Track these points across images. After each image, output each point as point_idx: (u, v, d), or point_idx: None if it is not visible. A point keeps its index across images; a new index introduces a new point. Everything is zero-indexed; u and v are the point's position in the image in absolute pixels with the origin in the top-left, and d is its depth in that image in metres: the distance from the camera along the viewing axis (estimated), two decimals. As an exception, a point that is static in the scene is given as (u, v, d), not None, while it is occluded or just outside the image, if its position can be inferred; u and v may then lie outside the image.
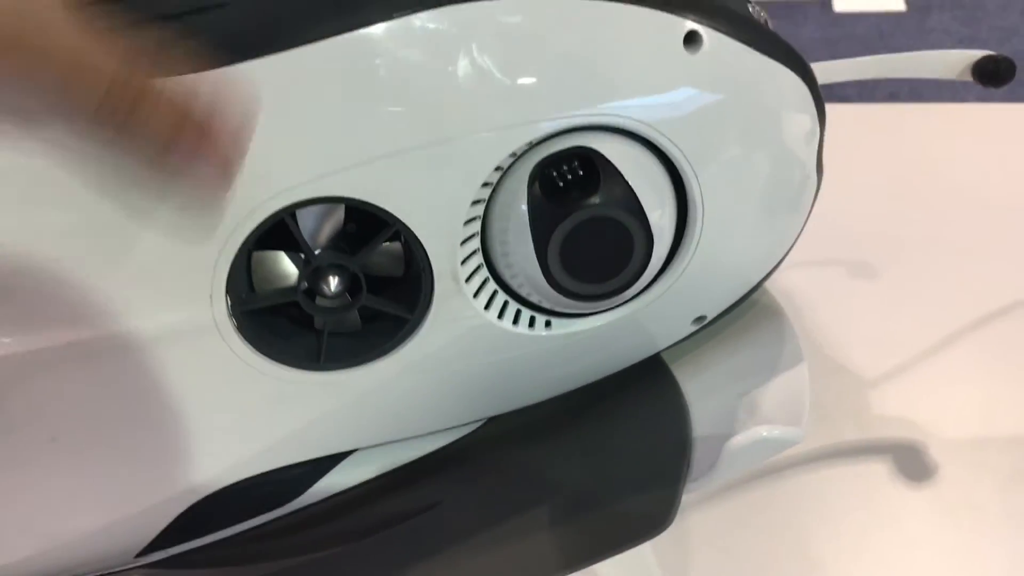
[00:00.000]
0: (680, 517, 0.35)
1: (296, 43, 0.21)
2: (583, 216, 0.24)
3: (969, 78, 0.27)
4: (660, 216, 0.25)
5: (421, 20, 0.22)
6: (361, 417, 0.27)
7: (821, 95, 0.27)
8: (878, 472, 0.37)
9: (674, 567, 0.33)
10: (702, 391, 0.28)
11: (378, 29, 0.21)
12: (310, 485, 0.27)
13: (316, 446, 0.27)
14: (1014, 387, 0.40)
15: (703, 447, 0.26)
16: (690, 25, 0.24)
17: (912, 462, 0.37)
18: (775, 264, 0.29)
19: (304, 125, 0.22)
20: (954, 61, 0.27)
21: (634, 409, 0.28)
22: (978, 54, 0.27)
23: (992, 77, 0.26)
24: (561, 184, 0.24)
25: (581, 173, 0.24)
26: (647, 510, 0.24)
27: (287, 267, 0.24)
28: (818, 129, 0.27)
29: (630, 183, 0.24)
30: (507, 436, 0.28)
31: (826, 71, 0.28)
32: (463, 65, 0.22)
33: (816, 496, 0.35)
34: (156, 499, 0.25)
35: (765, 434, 0.25)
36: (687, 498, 0.36)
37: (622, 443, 0.27)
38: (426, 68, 0.22)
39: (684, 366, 0.29)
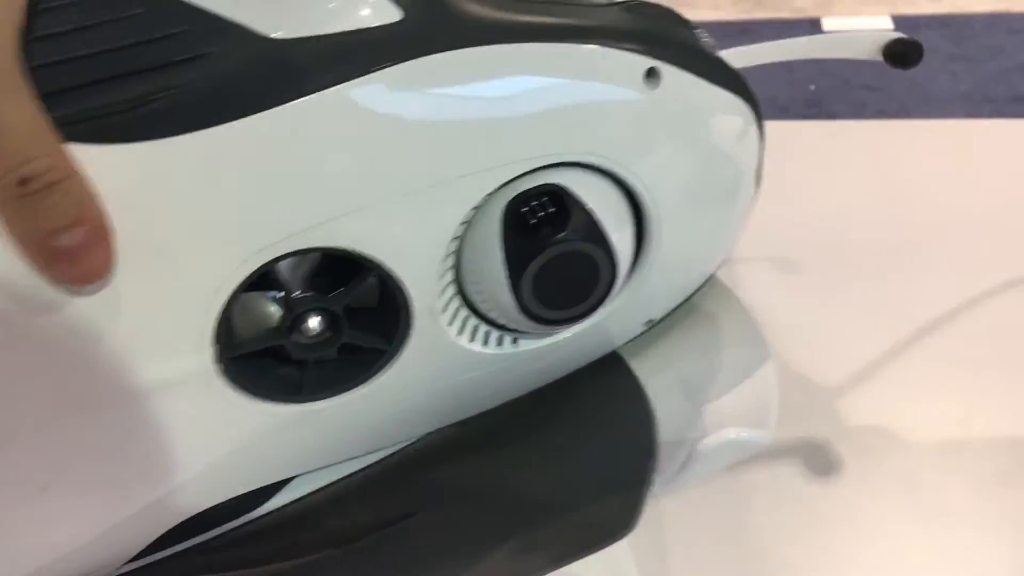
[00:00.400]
0: (657, 524, 0.35)
1: (282, 101, 0.22)
2: (555, 252, 0.26)
3: (880, 59, 0.28)
4: (622, 242, 0.27)
5: (393, 74, 0.23)
6: (337, 438, 0.27)
7: (761, 113, 0.30)
8: (852, 477, 0.37)
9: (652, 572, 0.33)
10: (667, 393, 0.28)
11: (353, 86, 0.22)
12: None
13: (292, 467, 0.27)
14: (990, 393, 0.40)
15: (670, 450, 0.26)
16: (650, 62, 0.26)
17: (886, 467, 0.37)
18: (716, 268, 0.32)
19: (290, 180, 0.22)
20: (867, 43, 0.28)
21: (596, 412, 0.28)
22: (889, 36, 0.28)
23: (902, 59, 0.27)
24: (532, 220, 0.26)
25: (550, 208, 0.26)
26: (610, 515, 0.24)
27: (265, 306, 0.24)
28: (759, 145, 0.30)
29: (596, 217, 0.26)
30: (461, 442, 0.28)
31: (746, 55, 0.29)
32: (439, 114, 0.24)
33: (789, 500, 0.35)
34: (133, 531, 0.25)
35: (733, 436, 0.25)
36: (664, 505, 0.37)
37: (584, 447, 0.27)
38: (402, 119, 0.23)
39: (648, 368, 0.29)
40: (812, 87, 0.75)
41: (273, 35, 0.22)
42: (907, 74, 0.34)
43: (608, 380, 0.29)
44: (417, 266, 0.25)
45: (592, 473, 0.27)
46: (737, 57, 0.29)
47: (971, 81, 0.75)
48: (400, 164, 0.24)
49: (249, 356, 0.25)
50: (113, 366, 0.22)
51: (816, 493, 0.36)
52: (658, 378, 0.29)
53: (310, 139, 0.22)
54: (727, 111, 0.28)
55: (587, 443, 0.27)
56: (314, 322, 0.25)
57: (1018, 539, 0.34)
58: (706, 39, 0.29)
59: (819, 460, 0.37)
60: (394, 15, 0.23)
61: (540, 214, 0.26)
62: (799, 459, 0.37)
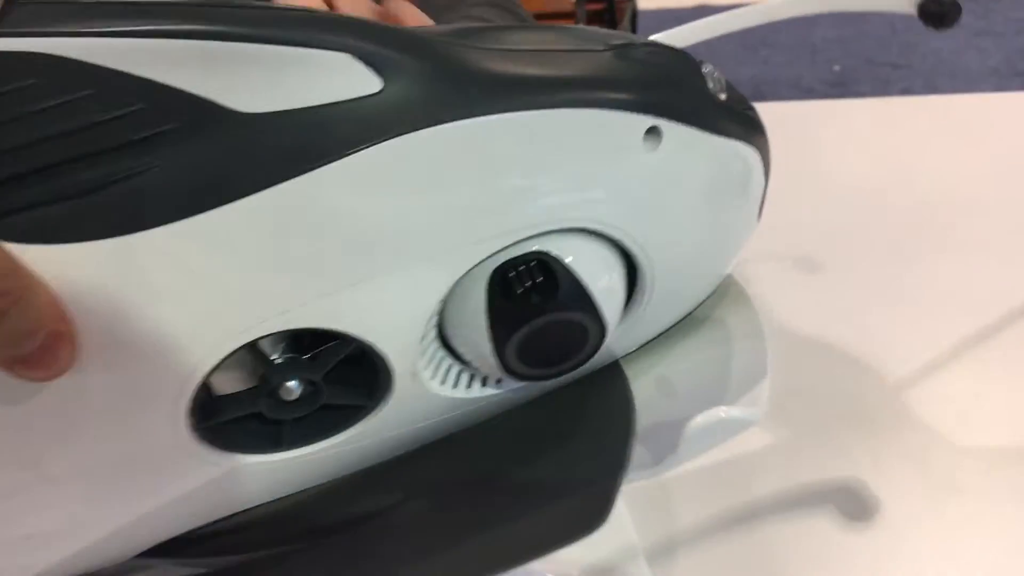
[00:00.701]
0: (665, 502, 0.35)
1: (257, 188, 0.20)
2: (542, 322, 0.24)
3: (914, 13, 0.26)
4: (613, 301, 0.25)
5: (371, 157, 0.21)
6: (315, 472, 0.27)
7: (769, 151, 0.28)
8: (860, 454, 0.36)
9: (661, 557, 0.33)
10: (652, 373, 0.28)
11: (331, 170, 0.21)
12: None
13: (268, 496, 0.27)
14: (1000, 371, 0.39)
15: (658, 431, 0.26)
16: (650, 121, 0.24)
17: (894, 444, 0.37)
18: (711, 293, 0.30)
19: (264, 268, 0.21)
20: None
21: (573, 398, 0.27)
22: (926, -8, 0.27)
23: (937, 18, 0.26)
24: (519, 288, 0.24)
25: (538, 276, 0.24)
26: (582, 508, 0.24)
27: (244, 376, 0.24)
28: (764, 183, 0.28)
29: (586, 285, 0.24)
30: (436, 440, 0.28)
31: (770, 11, 0.28)
32: (421, 194, 0.22)
33: (796, 478, 0.35)
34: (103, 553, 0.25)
35: (723, 415, 0.24)
36: (670, 485, 0.36)
37: (561, 438, 0.27)
38: (381, 202, 0.22)
39: (632, 354, 0.29)
40: (836, 68, 0.74)
41: (243, 110, 0.20)
42: (933, 50, 0.33)
43: (590, 372, 0.29)
44: (397, 338, 0.24)
45: (567, 465, 0.26)
46: (761, 12, 0.27)
47: (999, 56, 0.73)
48: (380, 245, 0.22)
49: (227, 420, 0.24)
50: (84, 442, 0.22)
51: (823, 471, 0.36)
52: (641, 362, 0.28)
53: (285, 227, 0.21)
54: (730, 160, 0.26)
55: (564, 435, 0.27)
56: (293, 385, 0.24)
57: None
58: (716, 77, 0.27)
59: (827, 438, 0.37)
60: (373, 85, 0.21)
61: (527, 283, 0.24)
62: (806, 437, 0.37)
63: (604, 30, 0.27)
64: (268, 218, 0.20)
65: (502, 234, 0.23)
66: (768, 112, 0.36)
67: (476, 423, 0.28)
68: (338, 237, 0.21)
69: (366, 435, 0.26)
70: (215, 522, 0.26)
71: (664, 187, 0.25)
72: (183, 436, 0.22)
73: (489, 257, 0.24)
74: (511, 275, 0.24)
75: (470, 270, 0.24)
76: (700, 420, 0.25)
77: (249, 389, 0.23)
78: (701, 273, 0.29)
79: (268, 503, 0.27)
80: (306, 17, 0.21)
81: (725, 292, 0.29)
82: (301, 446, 0.25)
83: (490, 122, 0.22)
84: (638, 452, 0.26)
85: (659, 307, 0.28)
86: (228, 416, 0.23)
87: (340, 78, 0.20)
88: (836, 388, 0.38)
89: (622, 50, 0.25)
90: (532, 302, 0.24)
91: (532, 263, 0.24)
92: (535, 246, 0.24)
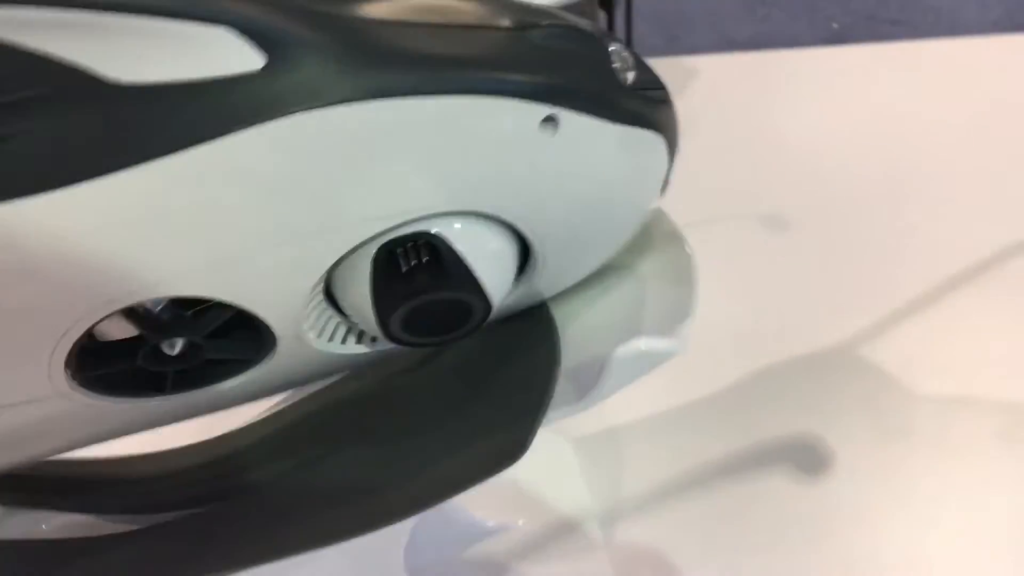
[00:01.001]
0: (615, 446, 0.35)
1: (133, 162, 0.19)
2: (425, 299, 0.24)
3: None
4: (500, 282, 0.25)
5: (251, 136, 0.20)
6: (194, 411, 0.26)
7: (676, 131, 0.27)
8: (814, 401, 0.37)
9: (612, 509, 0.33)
10: (573, 306, 0.27)
11: (209, 148, 0.20)
12: None
13: (137, 429, 0.26)
14: (954, 320, 0.40)
15: (581, 364, 0.25)
16: (547, 110, 0.23)
17: (847, 391, 0.37)
18: (610, 257, 0.29)
19: (139, 239, 0.20)
20: None
21: (495, 333, 0.27)
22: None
23: None
24: (404, 266, 0.24)
25: (424, 256, 0.24)
26: (502, 441, 0.24)
27: (122, 335, 0.23)
28: (667, 165, 0.27)
29: (470, 265, 0.24)
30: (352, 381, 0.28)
31: None
32: (300, 175, 0.21)
33: (748, 427, 0.35)
34: None
35: (643, 347, 0.24)
36: (623, 442, 0.36)
37: (479, 368, 0.26)
38: (260, 180, 0.21)
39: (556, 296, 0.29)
40: (835, 25, 0.72)
41: (115, 79, 0.19)
42: (932, 7, 0.32)
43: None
44: (279, 306, 0.23)
45: (490, 402, 0.26)
46: None
47: (1000, 9, 0.71)
48: (255, 224, 0.22)
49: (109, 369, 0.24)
50: None
51: (777, 417, 0.36)
52: (565, 305, 0.28)
53: (157, 205, 0.20)
54: (629, 146, 0.26)
55: (484, 364, 0.27)
56: (174, 343, 0.23)
57: (976, 459, 0.34)
58: (624, 56, 0.26)
59: (782, 387, 0.37)
60: (256, 62, 0.20)
61: (413, 261, 0.24)
62: (760, 384, 0.37)
63: (514, 2, 0.25)
64: (140, 194, 0.20)
65: (386, 216, 0.23)
66: (750, 62, 0.35)
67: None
68: (212, 216, 0.21)
69: (253, 382, 0.25)
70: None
71: (558, 175, 0.24)
72: (63, 387, 0.22)
73: (374, 237, 0.23)
74: (398, 251, 0.24)
75: (355, 247, 0.23)
76: (621, 352, 0.24)
77: (129, 342, 0.23)
78: (597, 245, 0.28)
79: (186, 455, 0.27)
80: None
81: (657, 234, 0.28)
82: (188, 390, 0.24)
83: (376, 107, 0.21)
84: (562, 389, 0.26)
85: (555, 273, 0.27)
86: (107, 369, 0.23)
87: (219, 53, 0.20)
88: (789, 338, 0.38)
89: (525, 31, 0.24)
90: (416, 280, 0.24)
91: (420, 242, 0.24)
92: (422, 227, 0.23)
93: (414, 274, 0.24)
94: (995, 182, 0.50)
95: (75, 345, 0.21)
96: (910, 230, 0.47)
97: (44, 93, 0.18)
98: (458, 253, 0.24)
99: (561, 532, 0.32)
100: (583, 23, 0.25)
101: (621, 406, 0.36)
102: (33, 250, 0.19)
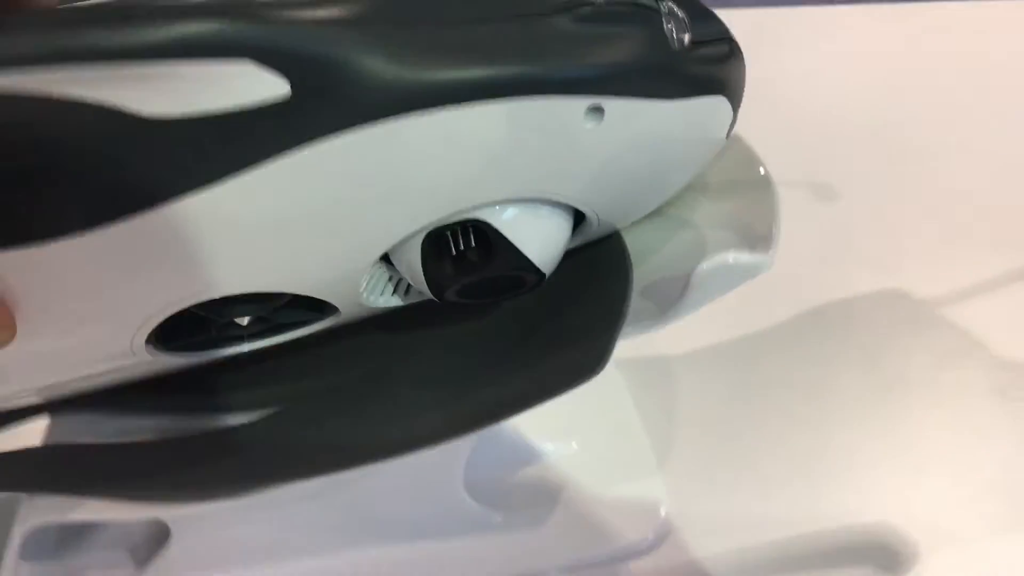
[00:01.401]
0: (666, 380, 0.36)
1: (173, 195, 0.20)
2: (475, 278, 0.24)
3: None
4: (552, 252, 0.25)
5: (284, 166, 0.21)
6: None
7: (741, 80, 0.26)
8: (817, 350, 0.38)
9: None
10: (645, 226, 0.28)
11: (240, 181, 0.20)
12: None
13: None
14: (951, 272, 0.42)
15: (659, 281, 0.26)
16: (591, 100, 0.22)
17: (849, 341, 0.38)
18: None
19: (193, 257, 0.21)
20: None
21: (567, 259, 0.27)
22: None
23: None
24: (453, 248, 0.24)
25: (471, 239, 0.24)
26: (582, 354, 0.24)
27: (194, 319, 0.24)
28: (731, 118, 0.26)
29: (521, 248, 0.24)
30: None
31: None
32: (339, 197, 0.22)
33: (749, 374, 0.37)
34: None
35: (731, 260, 0.24)
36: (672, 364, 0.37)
37: (555, 289, 0.27)
38: (299, 205, 0.21)
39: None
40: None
41: (146, 113, 0.19)
42: None
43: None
44: (336, 290, 0.24)
45: (564, 317, 0.26)
46: None
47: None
48: (299, 238, 0.22)
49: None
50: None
51: (785, 367, 0.37)
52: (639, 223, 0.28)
53: (199, 235, 0.21)
54: (683, 118, 0.24)
55: (561, 288, 0.27)
56: (244, 319, 0.25)
57: (972, 407, 0.35)
58: (679, 17, 0.24)
59: (787, 337, 0.38)
60: (281, 89, 0.20)
61: (462, 244, 0.24)
62: (769, 337, 0.38)
63: None
64: (177, 230, 0.20)
65: (433, 211, 0.23)
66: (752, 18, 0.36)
67: None
68: (255, 238, 0.21)
69: (321, 326, 0.26)
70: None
71: (607, 157, 0.24)
72: (140, 353, 0.24)
73: (421, 229, 0.24)
74: (447, 233, 0.24)
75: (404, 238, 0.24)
76: (707, 266, 0.24)
77: (199, 319, 0.24)
78: (658, 197, 0.28)
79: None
80: (199, 21, 0.19)
81: (730, 155, 0.28)
82: (253, 341, 0.26)
83: (411, 123, 0.21)
84: (640, 305, 0.26)
85: (615, 222, 0.28)
86: (186, 340, 0.24)
87: (244, 85, 0.19)
88: (793, 287, 0.39)
89: (566, 14, 0.22)
90: (466, 261, 0.24)
91: (468, 225, 0.24)
92: (470, 214, 0.24)
93: (464, 256, 0.24)
94: (997, 141, 0.52)
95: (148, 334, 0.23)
96: (911, 185, 0.48)
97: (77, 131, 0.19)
98: (507, 237, 0.24)
99: (615, 456, 0.33)
100: None
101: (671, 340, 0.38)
102: (83, 279, 0.21)
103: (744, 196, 0.27)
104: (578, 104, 0.22)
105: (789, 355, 0.38)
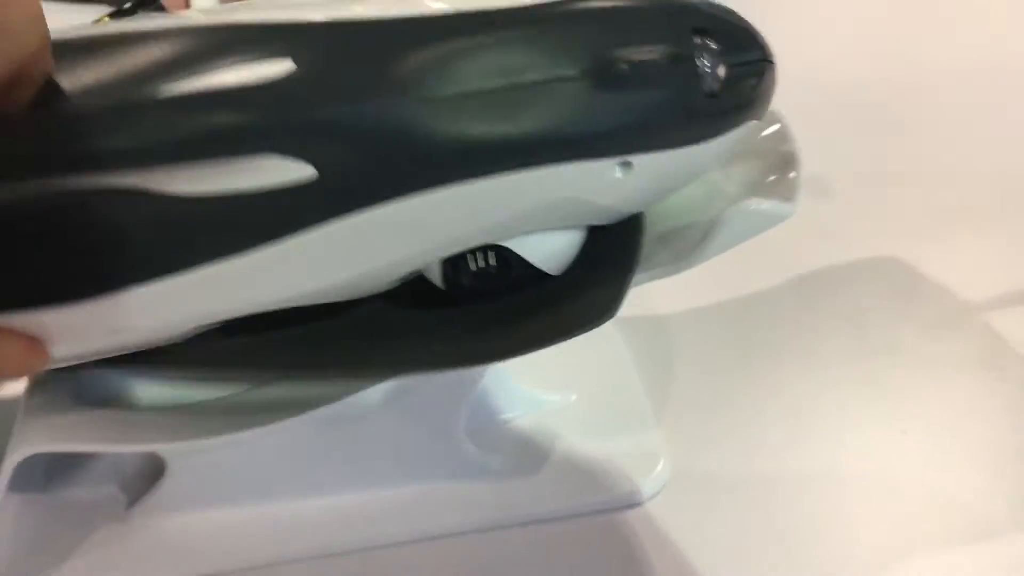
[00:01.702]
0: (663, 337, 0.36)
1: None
2: (493, 288, 0.25)
3: None
4: (568, 259, 0.26)
5: (313, 238, 0.22)
6: None
7: (772, 86, 0.26)
8: (806, 318, 0.38)
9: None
10: None
11: (270, 252, 0.22)
12: None
13: None
14: (941, 242, 0.42)
15: (673, 229, 0.26)
16: (621, 159, 0.23)
17: (838, 308, 0.38)
18: None
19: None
20: None
21: None
22: None
23: None
24: (472, 267, 0.25)
25: (490, 259, 0.25)
26: (595, 299, 0.24)
27: None
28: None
29: (542, 268, 0.25)
30: None
31: None
32: (365, 260, 0.23)
33: (735, 340, 0.37)
34: None
35: (755, 207, 0.24)
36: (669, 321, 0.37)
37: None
38: (327, 271, 0.23)
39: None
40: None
41: (178, 192, 0.20)
42: None
43: None
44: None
45: (580, 263, 0.26)
46: None
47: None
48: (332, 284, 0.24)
49: None
50: None
51: (775, 335, 0.37)
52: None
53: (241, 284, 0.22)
54: (713, 151, 0.25)
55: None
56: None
57: (958, 376, 0.35)
58: (713, 49, 0.23)
59: (777, 305, 0.38)
60: (307, 172, 0.21)
61: (481, 264, 0.25)
62: (760, 303, 0.39)
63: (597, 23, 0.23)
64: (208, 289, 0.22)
65: (459, 248, 0.24)
66: None
67: None
68: (287, 286, 0.23)
69: None
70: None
71: (634, 192, 0.24)
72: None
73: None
74: (467, 254, 0.25)
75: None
76: (732, 212, 0.24)
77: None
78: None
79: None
80: (227, 114, 0.20)
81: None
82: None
83: (435, 197, 0.22)
84: (654, 251, 0.26)
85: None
86: None
87: (271, 173, 0.21)
88: (781, 256, 0.40)
89: (595, 76, 0.22)
90: (484, 279, 0.25)
91: (488, 248, 0.25)
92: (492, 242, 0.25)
93: (483, 274, 0.25)
94: (986, 112, 0.52)
95: None
96: (901, 156, 0.48)
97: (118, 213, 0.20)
98: (527, 261, 0.25)
99: (615, 410, 0.33)
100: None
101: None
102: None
103: (764, 148, 0.27)
104: (607, 163, 0.23)
105: (780, 321, 0.38)
